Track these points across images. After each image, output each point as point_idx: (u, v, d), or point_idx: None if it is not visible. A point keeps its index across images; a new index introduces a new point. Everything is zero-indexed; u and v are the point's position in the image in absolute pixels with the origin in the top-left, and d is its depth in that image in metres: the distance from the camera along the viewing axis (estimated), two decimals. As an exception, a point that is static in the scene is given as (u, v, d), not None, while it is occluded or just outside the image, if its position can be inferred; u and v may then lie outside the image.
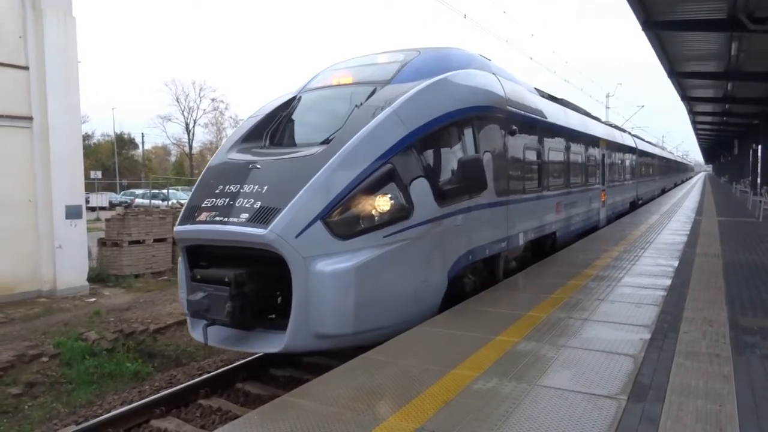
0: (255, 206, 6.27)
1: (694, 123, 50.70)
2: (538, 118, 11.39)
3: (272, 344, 6.24)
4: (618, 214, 21.21)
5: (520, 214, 10.06)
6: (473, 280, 8.73)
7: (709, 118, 44.05)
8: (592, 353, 5.63)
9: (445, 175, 7.67)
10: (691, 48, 19.12)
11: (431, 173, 7.28)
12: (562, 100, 14.69)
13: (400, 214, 6.67)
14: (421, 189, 7.02)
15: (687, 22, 15.47)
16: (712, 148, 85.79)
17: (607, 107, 57.38)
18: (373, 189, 6.51)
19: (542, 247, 12.07)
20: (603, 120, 22.69)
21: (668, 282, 9.05)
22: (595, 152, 16.79)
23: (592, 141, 16.42)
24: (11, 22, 12.53)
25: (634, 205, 25.82)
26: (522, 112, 10.29)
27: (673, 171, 58.33)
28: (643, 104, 57.25)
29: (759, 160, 36.79)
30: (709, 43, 18.32)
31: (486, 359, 5.47)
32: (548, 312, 7.22)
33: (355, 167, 6.47)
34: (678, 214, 22.19)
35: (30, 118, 12.73)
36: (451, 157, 7.82)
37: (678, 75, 23.27)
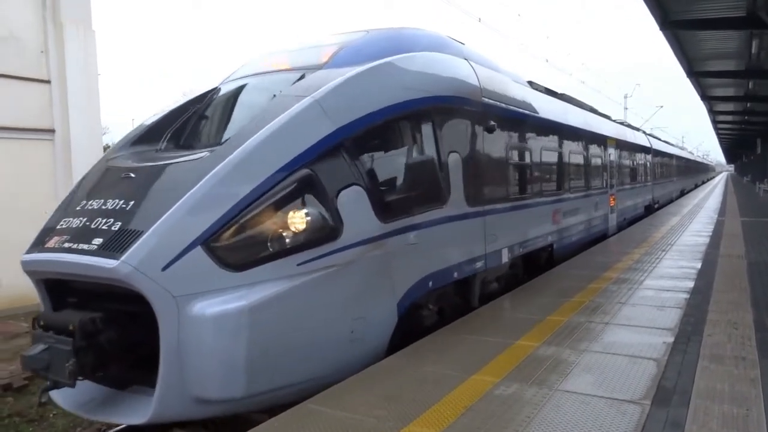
0: (113, 228, 4.81)
1: (714, 123, 49.96)
2: (528, 113, 9.93)
3: (137, 413, 4.80)
4: (631, 220, 19.75)
5: (504, 226, 8.61)
6: (437, 309, 7.27)
7: (730, 118, 43.37)
8: (615, 357, 5.56)
9: (392, 182, 6.25)
10: (710, 47, 18.86)
11: (370, 181, 5.81)
12: (562, 95, 13.59)
13: (323, 233, 5.21)
14: (354, 201, 5.54)
15: (705, 21, 15.26)
16: (733, 147, 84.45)
17: (625, 108, 56.86)
18: (283, 202, 5.04)
19: (537, 262, 10.67)
20: (614, 119, 21.03)
21: (691, 284, 8.90)
22: (601, 152, 15.41)
23: (597, 140, 14.96)
24: (33, 37, 12.79)
25: (650, 209, 24.18)
26: (504, 106, 8.82)
27: (693, 171, 55.96)
28: (662, 104, 56.28)
29: (782, 159, 36.12)
30: (729, 42, 18.06)
31: (506, 364, 5.42)
32: (568, 316, 7.14)
33: (256, 174, 5.01)
34: (700, 215, 21.85)
35: (52, 131, 12.97)
36: (400, 160, 6.43)
37: (697, 74, 22.96)
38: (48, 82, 12.94)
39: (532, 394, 4.69)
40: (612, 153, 16.65)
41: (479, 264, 7.86)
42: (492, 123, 8.10)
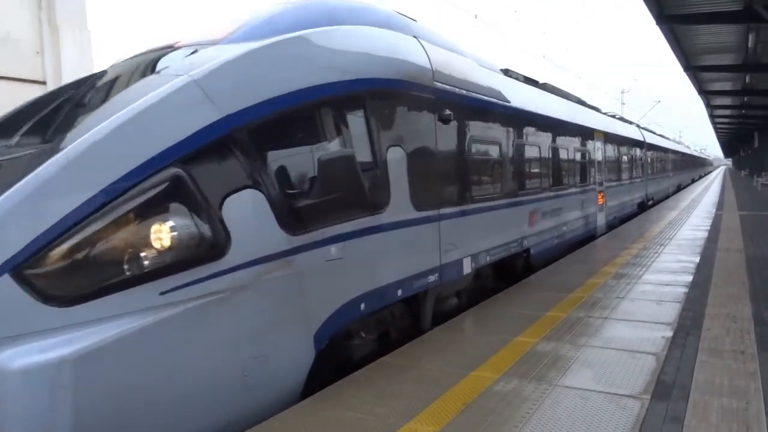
0: None
1: (712, 117, 50.00)
2: (496, 101, 8.71)
3: None
4: (623, 218, 18.75)
5: (466, 232, 7.48)
6: (375, 336, 6.21)
7: (727, 112, 43.42)
8: (614, 352, 5.57)
9: (304, 184, 5.02)
10: (706, 41, 18.86)
11: (274, 183, 4.62)
12: (544, 84, 12.74)
13: (198, 252, 4.02)
14: (247, 209, 4.38)
15: (702, 15, 15.26)
16: (731, 141, 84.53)
17: (623, 103, 56.87)
18: (139, 213, 3.82)
19: (511, 270, 9.57)
20: (605, 111, 20.16)
21: (690, 278, 8.92)
22: (588, 147, 14.33)
23: (583, 133, 13.90)
24: (29, 38, 12.78)
25: (644, 206, 23.13)
26: (464, 92, 7.61)
27: (690, 166, 54.36)
28: (659, 100, 56.24)
29: (780, 153, 36.17)
30: (726, 36, 18.05)
31: (505, 360, 5.43)
32: (567, 311, 7.15)
33: (98, 175, 3.74)
34: (698, 210, 21.88)
35: (49, 132, 12.96)
36: (317, 157, 5.13)
37: (694, 69, 22.97)
38: (44, 83, 12.92)
39: (531, 389, 4.69)
40: (600, 147, 15.62)
41: (432, 278, 6.65)
42: (447, 112, 6.97)
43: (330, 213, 5.11)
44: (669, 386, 4.69)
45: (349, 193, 5.41)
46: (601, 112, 18.60)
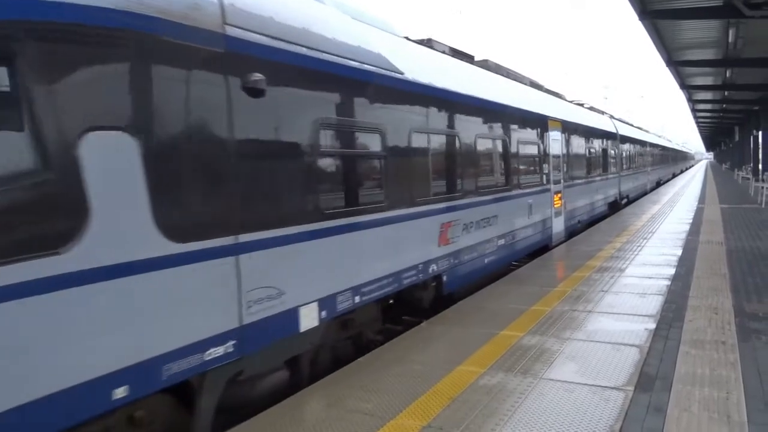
0: None
1: (694, 111, 50.58)
2: (373, 70, 6.23)
3: None
4: (590, 221, 16.50)
5: (305, 265, 5.13)
6: None
7: (709, 106, 43.95)
8: (598, 345, 5.62)
9: None
10: (688, 36, 19.05)
11: None
12: (484, 62, 11.04)
13: None
14: None
15: (683, 11, 15.41)
16: (712, 135, 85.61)
17: (605, 98, 57.36)
18: None
19: (415, 305, 7.34)
20: (569, 99, 18.03)
21: (672, 271, 9.03)
22: (539, 138, 11.90)
23: (531, 122, 11.43)
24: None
25: (617, 206, 20.73)
26: (295, 49, 5.09)
27: (670, 160, 51.52)
28: (643, 95, 56.78)
29: (760, 147, 36.68)
30: (707, 31, 18.25)
31: (491, 354, 5.46)
32: (552, 305, 7.21)
33: None
34: (680, 203, 22.14)
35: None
36: None
37: (676, 63, 23.20)
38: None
39: (517, 383, 4.73)
40: (558, 139, 13.17)
41: (218, 351, 4.19)
42: (256, 78, 4.55)
43: None
44: (652, 378, 4.75)
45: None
46: (565, 100, 16.55)
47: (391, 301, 7.04)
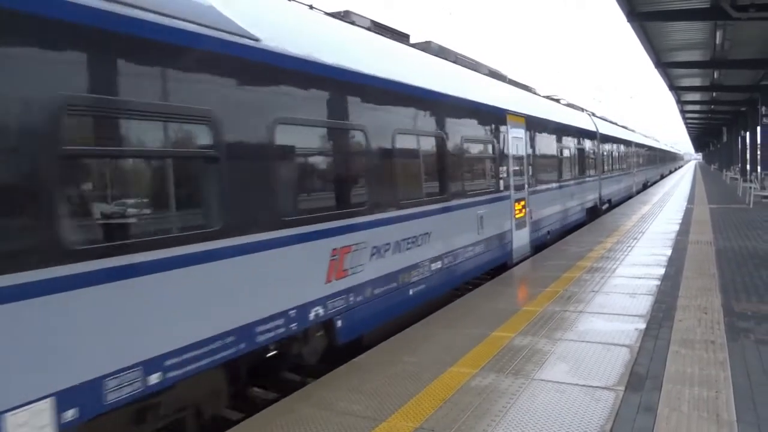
0: None
1: (682, 112, 50.98)
2: (217, 36, 4.59)
3: None
4: (564, 231, 14.62)
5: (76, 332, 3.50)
6: None
7: (697, 107, 44.29)
8: (589, 345, 5.65)
9: None
10: (676, 38, 19.21)
11: None
12: (426, 44, 9.60)
13: None
14: None
15: (671, 12, 15.53)
16: (701, 136, 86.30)
17: (594, 98, 57.61)
18: None
19: (292, 362, 5.74)
20: (549, 95, 16.79)
21: (662, 271, 9.08)
22: (492, 136, 9.97)
23: (481, 116, 9.53)
24: None
25: (596, 212, 18.88)
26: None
27: (658, 161, 49.96)
28: (632, 96, 57.21)
29: (747, 147, 37.02)
30: (695, 33, 18.41)
31: (483, 355, 5.47)
32: (543, 306, 7.23)
33: None
34: (670, 204, 22.30)
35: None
36: None
37: (665, 65, 23.37)
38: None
39: (508, 384, 4.74)
40: (520, 137, 11.35)
41: None
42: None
43: None
44: (642, 377, 4.77)
45: None
46: (536, 94, 15.12)
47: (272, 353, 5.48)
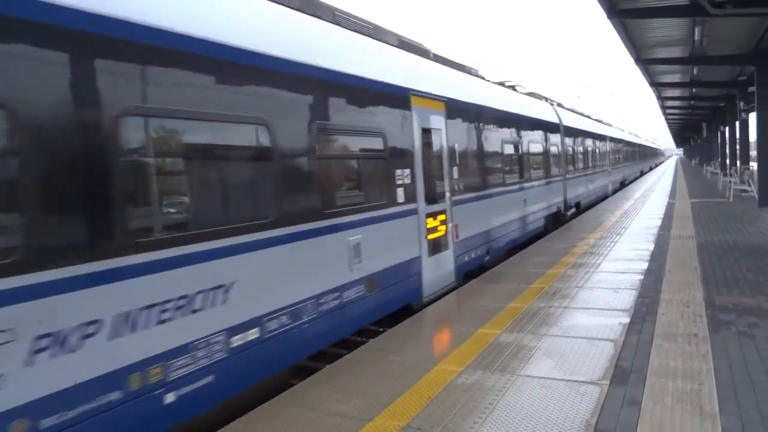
0: None
1: (663, 108, 51.52)
2: None
3: None
4: (512, 247, 11.73)
5: None
6: None
7: (677, 103, 44.76)
8: (574, 340, 5.69)
9: None
10: (656, 34, 19.39)
11: None
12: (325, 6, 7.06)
13: None
14: None
15: (650, 9, 15.67)
16: (682, 132, 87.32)
17: (578, 96, 57.95)
18: None
19: None
20: (494, 81, 13.79)
21: (645, 265, 9.17)
22: (379, 127, 7.10)
23: (354, 95, 6.67)
24: None
25: (559, 219, 16.23)
26: None
27: (638, 157, 47.15)
28: (614, 92, 57.59)
29: (727, 142, 37.54)
30: (674, 29, 18.60)
31: (469, 352, 5.48)
32: (529, 302, 7.27)
33: None
34: (651, 199, 22.54)
35: None
36: None
37: (645, 62, 23.58)
38: None
39: (494, 380, 4.76)
40: (438, 129, 8.63)
41: None
42: None
43: None
44: (627, 371, 4.81)
45: None
46: (476, 75, 12.22)
47: None
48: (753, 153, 23.68)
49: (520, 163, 12.78)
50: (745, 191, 21.81)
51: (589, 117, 26.87)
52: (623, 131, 44.43)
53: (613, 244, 11.59)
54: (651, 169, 65.21)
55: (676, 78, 30.01)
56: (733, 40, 19.15)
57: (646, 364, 4.95)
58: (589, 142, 22.06)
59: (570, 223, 16.04)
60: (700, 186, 30.36)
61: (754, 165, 22.12)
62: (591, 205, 20.98)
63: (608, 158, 27.51)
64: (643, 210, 18.29)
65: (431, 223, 8.19)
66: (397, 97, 7.61)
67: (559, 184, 16.40)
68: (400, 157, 7.55)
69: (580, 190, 19.47)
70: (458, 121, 9.45)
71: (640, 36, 19.50)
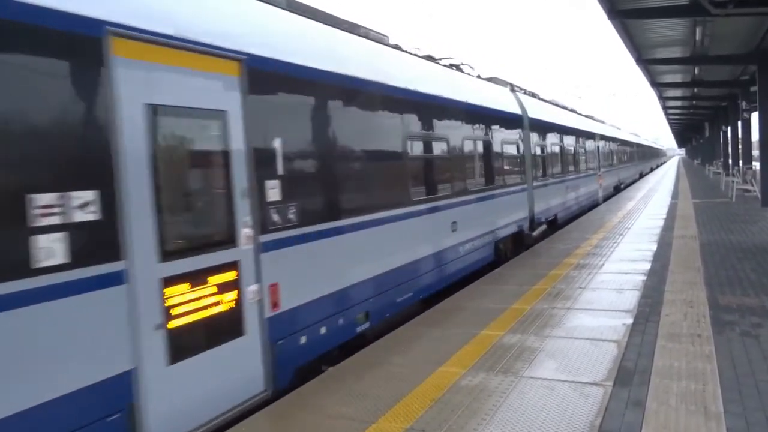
0: None
1: (665, 108, 51.47)
2: None
3: None
4: (429, 296, 8.13)
5: None
6: None
7: (679, 103, 44.72)
8: (577, 341, 5.68)
9: None
10: (657, 35, 19.38)
11: None
12: None
13: None
14: None
15: (651, 10, 15.67)
16: (683, 131, 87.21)
17: (579, 97, 57.89)
18: None
19: None
20: (443, 60, 10.63)
21: (648, 266, 9.16)
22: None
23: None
24: None
25: (521, 240, 12.56)
26: None
27: (636, 158, 43.45)
28: (615, 93, 57.53)
29: (729, 142, 37.48)
30: (675, 29, 18.59)
31: (472, 354, 5.48)
32: (532, 303, 7.26)
33: None
34: (654, 199, 22.51)
35: None
36: None
37: (646, 62, 23.57)
38: None
39: (498, 382, 4.75)
40: (236, 118, 4.70)
41: None
42: None
43: None
44: (630, 372, 4.80)
45: None
46: (398, 48, 8.78)
47: None
48: (755, 152, 23.60)
49: (443, 170, 8.84)
50: (748, 191, 21.77)
51: (574, 111, 22.97)
52: (619, 129, 39.86)
53: (616, 244, 11.58)
54: (651, 170, 62.24)
55: (677, 78, 29.98)
56: (735, 40, 19.12)
57: (650, 364, 4.94)
58: (569, 140, 18.23)
59: (555, 233, 13.47)
60: (702, 186, 30.30)
61: (756, 164, 22.05)
62: (575, 217, 17.82)
63: (598, 160, 23.87)
64: (645, 210, 18.26)
65: (217, 297, 4.40)
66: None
67: (520, 195, 12.62)
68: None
69: (554, 200, 15.60)
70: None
71: (640, 36, 19.48)
